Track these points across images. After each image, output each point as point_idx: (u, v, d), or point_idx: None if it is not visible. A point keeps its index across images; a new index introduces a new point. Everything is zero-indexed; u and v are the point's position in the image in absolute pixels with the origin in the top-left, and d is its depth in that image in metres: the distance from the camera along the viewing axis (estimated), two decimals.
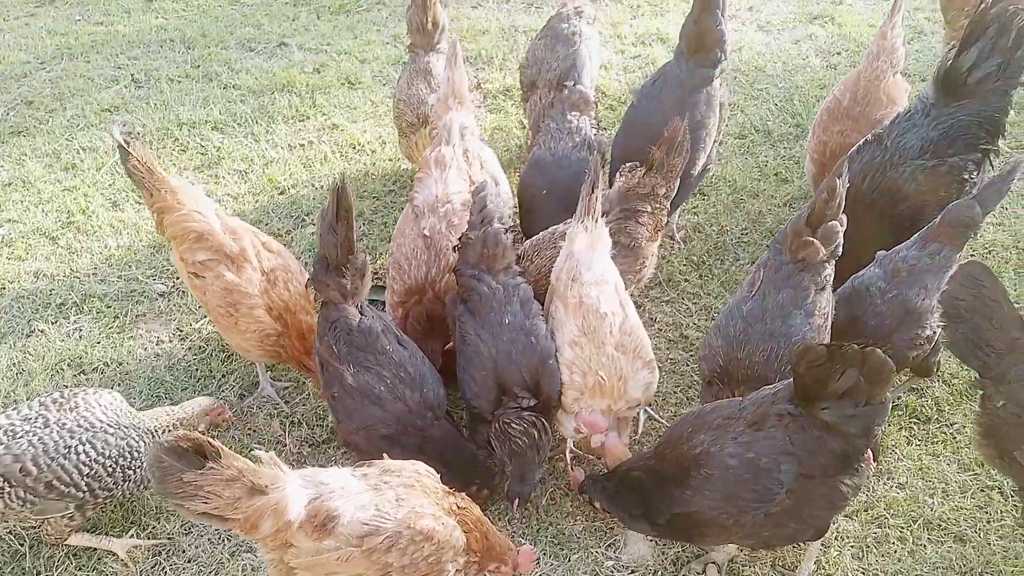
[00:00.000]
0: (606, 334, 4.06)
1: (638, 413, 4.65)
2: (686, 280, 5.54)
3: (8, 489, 3.63)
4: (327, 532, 3.13)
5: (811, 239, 4.04)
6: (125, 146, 4.40)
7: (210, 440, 2.98)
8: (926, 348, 4.25)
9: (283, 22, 8.35)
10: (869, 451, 3.67)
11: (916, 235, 4.26)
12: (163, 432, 4.01)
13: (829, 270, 4.13)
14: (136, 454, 3.87)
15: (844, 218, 4.10)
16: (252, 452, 3.17)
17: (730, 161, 6.44)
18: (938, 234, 4.17)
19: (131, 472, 3.86)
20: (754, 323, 4.05)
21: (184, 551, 4.10)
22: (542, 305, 4.33)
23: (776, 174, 6.32)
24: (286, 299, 4.44)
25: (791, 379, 3.41)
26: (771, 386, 3.59)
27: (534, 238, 4.84)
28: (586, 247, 4.18)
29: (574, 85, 5.85)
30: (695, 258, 5.68)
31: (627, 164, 4.83)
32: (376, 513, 3.21)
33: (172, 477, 2.92)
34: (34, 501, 3.69)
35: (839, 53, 7.64)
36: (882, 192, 4.57)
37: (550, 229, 4.79)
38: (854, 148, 4.76)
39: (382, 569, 3.21)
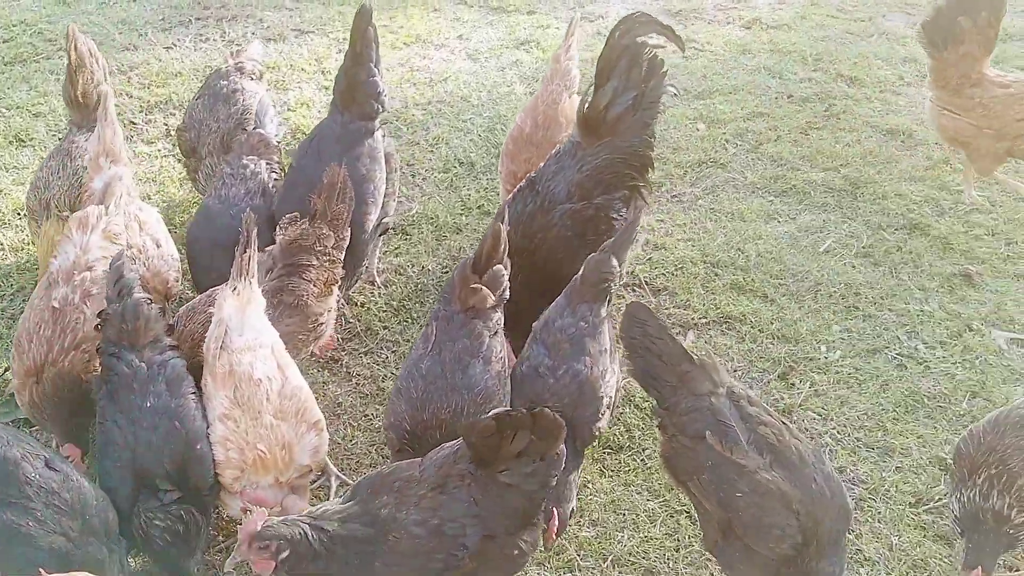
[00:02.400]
0: (262, 402, 3.76)
1: (328, 479, 4.37)
2: (385, 328, 5.29)
3: None
4: None
5: (479, 286, 3.96)
6: None
7: None
8: (607, 414, 4.19)
9: None
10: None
11: (561, 298, 4.20)
12: None
13: (499, 315, 4.08)
14: None
15: (508, 262, 4.05)
16: None
17: (432, 197, 6.29)
18: (582, 293, 4.14)
19: None
20: (435, 380, 3.88)
21: None
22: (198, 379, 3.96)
23: (479, 207, 6.22)
24: None
25: None
26: (450, 444, 3.45)
27: (188, 304, 4.46)
28: (235, 311, 3.89)
29: (254, 129, 5.52)
30: (395, 303, 5.45)
31: (287, 216, 4.54)
32: None
33: None
34: None
35: (540, 79, 7.69)
36: (534, 239, 4.47)
37: (208, 291, 4.42)
38: (511, 195, 4.68)
39: None
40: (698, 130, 7.00)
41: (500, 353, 4.02)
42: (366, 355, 5.13)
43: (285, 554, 3.16)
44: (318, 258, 4.47)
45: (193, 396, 3.86)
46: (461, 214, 6.15)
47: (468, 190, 6.36)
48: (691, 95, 7.38)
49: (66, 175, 5.08)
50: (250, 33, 8.23)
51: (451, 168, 6.58)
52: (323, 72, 7.70)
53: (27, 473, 3.49)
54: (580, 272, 4.16)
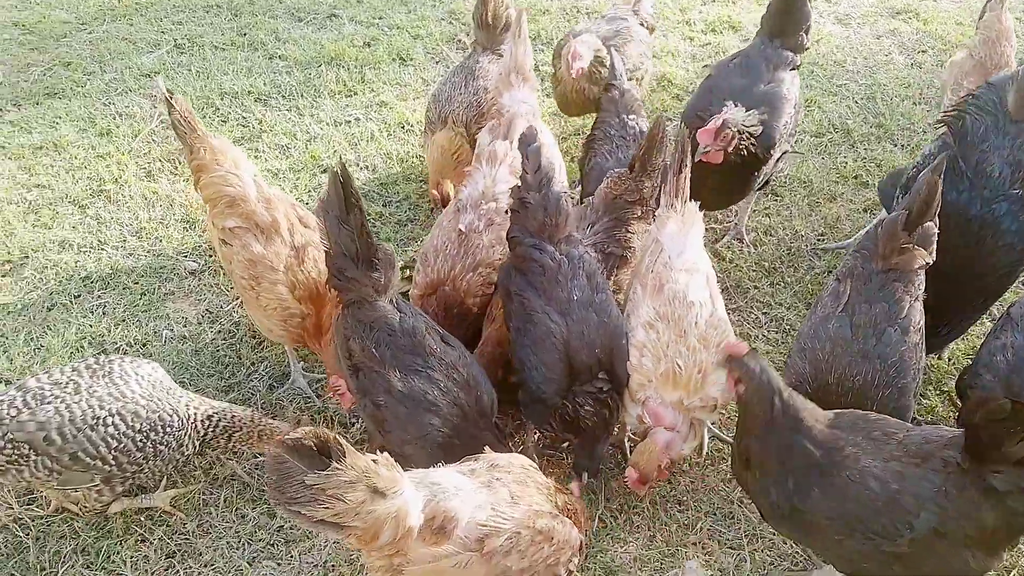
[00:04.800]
0: (691, 324, 3.73)
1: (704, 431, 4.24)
2: (756, 287, 5.09)
3: (34, 457, 3.39)
4: (445, 536, 2.82)
5: (908, 244, 3.64)
6: (169, 97, 4.26)
7: (337, 436, 2.59)
8: None
9: None
10: None
11: None
12: (201, 420, 3.71)
13: (922, 278, 3.72)
14: (169, 429, 3.58)
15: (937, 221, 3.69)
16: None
17: (805, 161, 5.96)
18: None
19: (162, 448, 3.58)
20: (844, 343, 3.62)
21: (201, 554, 3.78)
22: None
23: (856, 177, 5.84)
24: (315, 278, 4.11)
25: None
26: (951, 429, 3.14)
27: None
28: (677, 231, 3.91)
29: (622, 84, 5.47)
30: (766, 264, 5.23)
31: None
32: (493, 513, 2.92)
33: (293, 480, 2.54)
34: (59, 471, 3.44)
35: (924, 51, 7.11)
36: (970, 238, 3.93)
37: None
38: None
39: (500, 574, 2.92)
40: None
41: (919, 323, 3.67)
42: (734, 312, 4.93)
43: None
44: (641, 208, 4.40)
45: (610, 292, 3.93)
46: (836, 182, 5.79)
47: (844, 158, 5.98)
48: None
49: (467, 92, 5.28)
50: None
51: (825, 133, 6.22)
52: (687, 23, 7.51)
53: (431, 344, 3.63)
54: None
